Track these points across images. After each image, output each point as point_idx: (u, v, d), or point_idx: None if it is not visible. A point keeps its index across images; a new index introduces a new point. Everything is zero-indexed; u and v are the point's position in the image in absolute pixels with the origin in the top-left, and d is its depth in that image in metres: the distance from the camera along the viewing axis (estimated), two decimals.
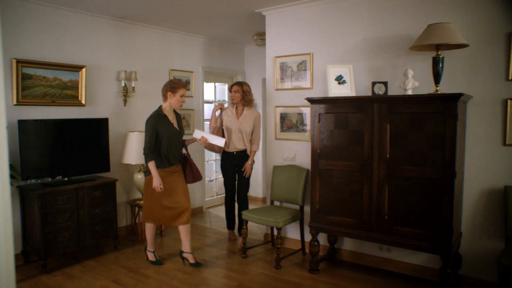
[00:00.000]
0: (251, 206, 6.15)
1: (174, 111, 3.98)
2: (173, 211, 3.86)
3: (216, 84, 6.69)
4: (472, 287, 3.46)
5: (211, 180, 6.71)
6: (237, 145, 4.56)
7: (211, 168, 6.74)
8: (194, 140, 4.08)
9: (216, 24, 5.24)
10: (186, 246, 4.00)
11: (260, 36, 5.48)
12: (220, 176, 6.90)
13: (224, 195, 4.87)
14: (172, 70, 5.59)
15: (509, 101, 3.22)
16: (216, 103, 6.74)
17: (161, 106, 3.91)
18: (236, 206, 4.86)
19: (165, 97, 3.88)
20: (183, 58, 5.79)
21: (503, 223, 3.28)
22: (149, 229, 4.07)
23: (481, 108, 3.35)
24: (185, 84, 3.91)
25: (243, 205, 4.70)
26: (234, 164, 4.64)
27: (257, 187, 6.88)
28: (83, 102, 4.54)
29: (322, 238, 4.08)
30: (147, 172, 3.85)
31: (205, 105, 6.30)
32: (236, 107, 4.60)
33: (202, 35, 5.97)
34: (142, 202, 4.88)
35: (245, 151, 4.60)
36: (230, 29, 5.57)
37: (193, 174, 4.03)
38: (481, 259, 3.43)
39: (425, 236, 3.20)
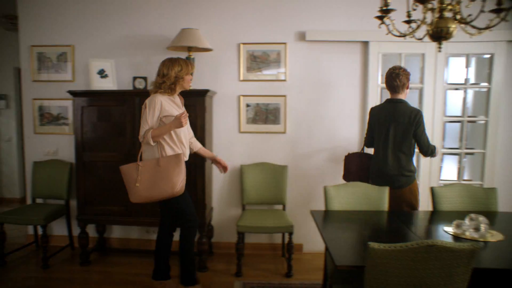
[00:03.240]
0: (6, 209, 5.59)
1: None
2: None
3: None
4: (221, 250, 4.20)
5: None
6: (188, 149, 3.20)
7: None
8: None
9: None
10: None
11: (10, 20, 4.96)
12: None
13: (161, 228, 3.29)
14: None
15: (241, 97, 4.05)
16: None
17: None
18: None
19: (403, 90, 3.19)
20: None
21: (240, 194, 4.10)
22: None
23: (224, 102, 4.09)
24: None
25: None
26: None
27: (12, 186, 6.24)
28: None
29: (91, 230, 4.12)
30: None
31: None
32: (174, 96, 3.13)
33: None
34: None
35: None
36: None
37: None
38: (227, 226, 4.20)
39: None
